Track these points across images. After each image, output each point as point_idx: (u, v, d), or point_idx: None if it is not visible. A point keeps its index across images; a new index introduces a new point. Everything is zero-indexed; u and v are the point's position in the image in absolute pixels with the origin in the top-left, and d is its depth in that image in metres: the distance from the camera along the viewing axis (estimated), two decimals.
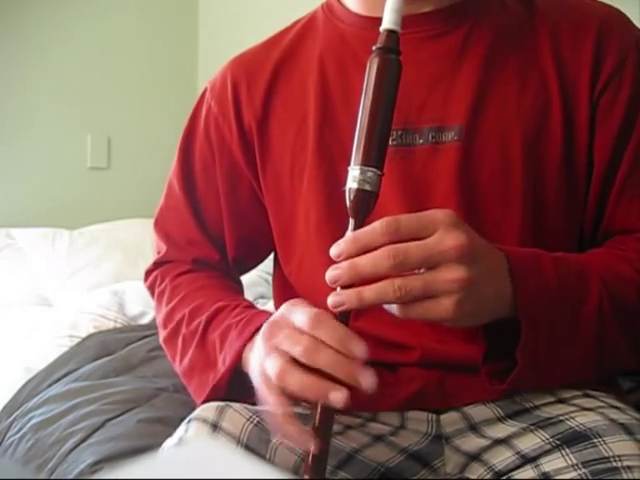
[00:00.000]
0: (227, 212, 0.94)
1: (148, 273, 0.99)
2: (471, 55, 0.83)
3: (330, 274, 0.64)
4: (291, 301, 0.71)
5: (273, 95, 0.89)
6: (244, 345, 0.78)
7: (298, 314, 0.67)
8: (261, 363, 0.69)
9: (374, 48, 0.68)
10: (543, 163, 0.81)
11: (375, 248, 0.63)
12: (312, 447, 0.65)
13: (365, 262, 0.63)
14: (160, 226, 0.99)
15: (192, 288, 0.92)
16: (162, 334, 0.93)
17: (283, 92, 0.89)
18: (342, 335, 0.64)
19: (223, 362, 0.81)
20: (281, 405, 0.66)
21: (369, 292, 0.63)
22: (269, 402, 0.68)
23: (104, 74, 2.79)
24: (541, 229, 0.82)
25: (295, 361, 0.65)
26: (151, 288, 0.98)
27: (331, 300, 0.64)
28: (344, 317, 0.66)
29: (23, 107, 2.63)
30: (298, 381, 0.64)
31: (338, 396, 0.62)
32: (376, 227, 0.63)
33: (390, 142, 0.81)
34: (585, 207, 0.83)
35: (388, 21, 0.68)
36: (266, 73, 0.90)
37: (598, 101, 0.81)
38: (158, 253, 0.99)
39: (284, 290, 0.92)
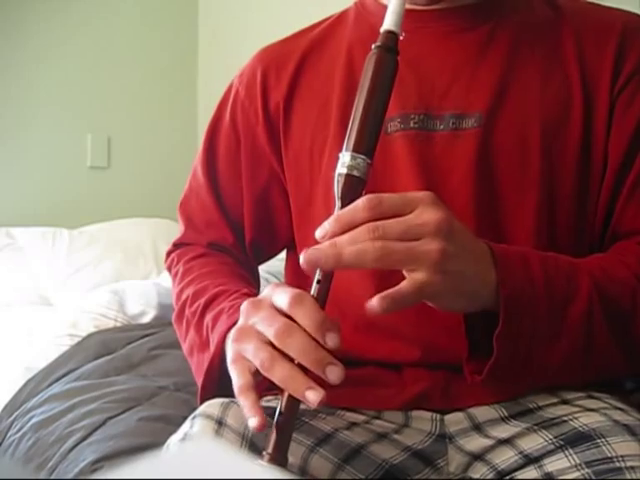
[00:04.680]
0: (248, 195, 0.96)
1: (168, 254, 1.03)
2: (496, 47, 0.85)
3: (309, 253, 0.63)
4: (276, 282, 0.71)
5: (300, 78, 0.92)
6: (229, 328, 0.78)
7: (279, 293, 0.67)
8: (234, 338, 0.69)
9: (373, 46, 0.71)
10: (560, 156, 0.82)
11: (357, 226, 0.62)
12: (274, 432, 0.65)
13: (345, 239, 0.62)
14: (183, 208, 1.02)
15: (202, 272, 0.93)
16: (173, 314, 0.95)
17: (309, 76, 0.92)
18: (318, 320, 0.63)
19: (213, 344, 0.81)
20: (242, 378, 0.66)
21: (349, 250, 0.62)
22: (233, 376, 0.68)
23: (104, 74, 2.79)
24: (555, 220, 0.83)
25: (270, 342, 0.65)
26: (169, 269, 1.01)
27: (304, 256, 0.63)
28: (322, 295, 0.66)
29: (23, 107, 2.63)
30: (279, 369, 0.64)
31: (312, 396, 0.62)
32: (358, 204, 0.63)
33: (412, 125, 0.83)
34: (597, 205, 0.84)
35: (388, 22, 0.71)
36: (294, 59, 0.93)
37: (617, 100, 0.83)
38: (180, 233, 1.02)
39: (296, 279, 0.92)
